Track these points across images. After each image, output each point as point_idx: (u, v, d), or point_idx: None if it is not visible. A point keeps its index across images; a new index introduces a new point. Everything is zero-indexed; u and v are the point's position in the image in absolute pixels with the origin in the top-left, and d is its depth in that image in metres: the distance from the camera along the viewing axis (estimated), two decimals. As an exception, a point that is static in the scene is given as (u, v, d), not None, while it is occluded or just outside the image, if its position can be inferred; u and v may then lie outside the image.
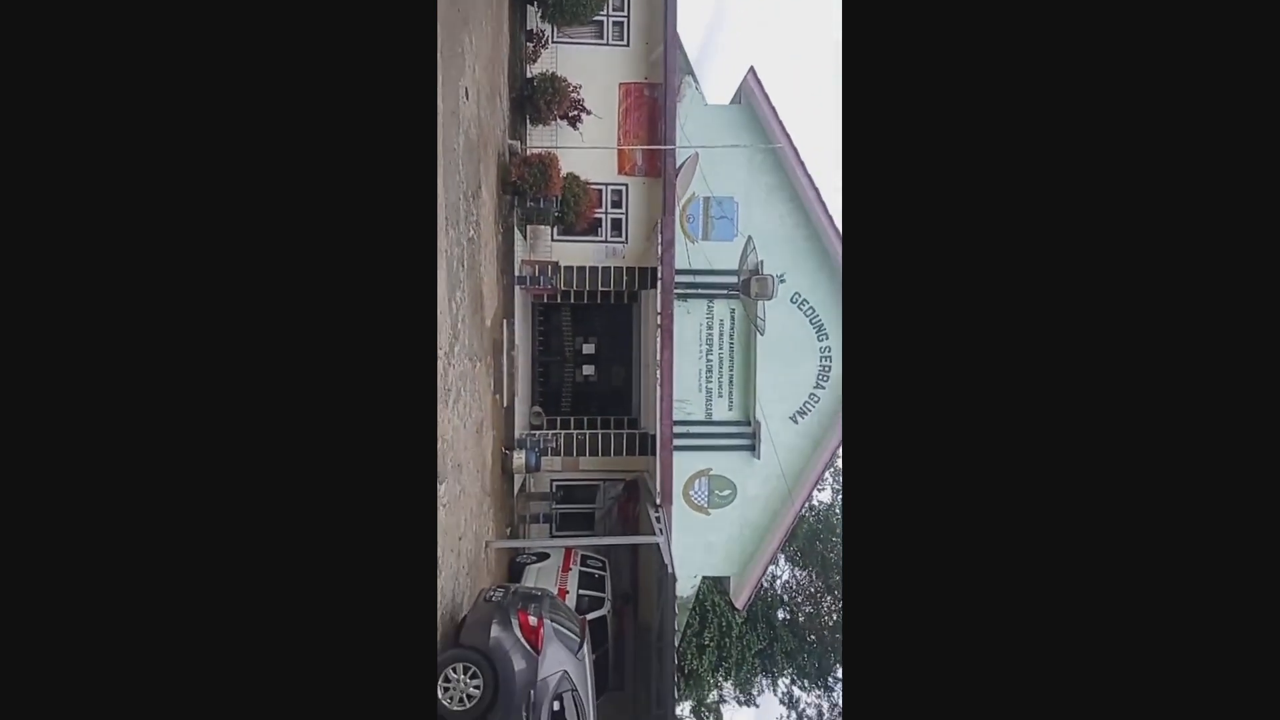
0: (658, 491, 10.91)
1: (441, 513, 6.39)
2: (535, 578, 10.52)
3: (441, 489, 6.44)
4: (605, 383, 14.33)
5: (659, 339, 11.07)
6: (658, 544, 9.35)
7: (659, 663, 9.36)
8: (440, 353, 6.50)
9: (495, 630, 5.80)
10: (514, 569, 10.83)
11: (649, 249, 12.73)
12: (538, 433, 11.49)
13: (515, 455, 10.55)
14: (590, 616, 9.64)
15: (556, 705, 5.74)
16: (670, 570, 8.82)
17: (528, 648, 5.79)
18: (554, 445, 11.21)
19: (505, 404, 10.55)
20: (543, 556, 11.31)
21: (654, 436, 11.42)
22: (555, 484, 13.22)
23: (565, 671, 5.89)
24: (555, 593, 9.93)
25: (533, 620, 5.96)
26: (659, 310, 11.08)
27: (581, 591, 10.09)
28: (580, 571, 10.79)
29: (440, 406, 6.52)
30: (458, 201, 7.38)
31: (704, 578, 14.91)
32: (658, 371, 11.11)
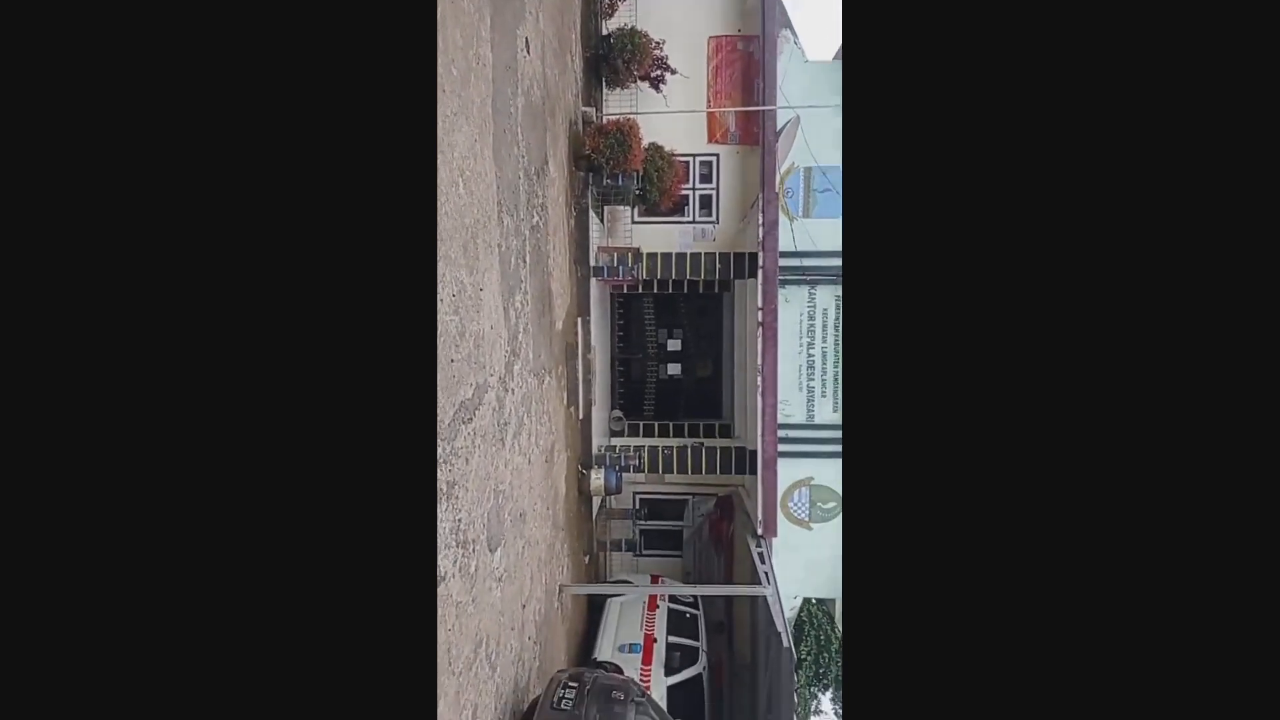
0: (759, 520, 9.22)
1: (496, 589, 4.96)
2: (618, 615, 9.09)
3: (496, 556, 5.00)
4: (692, 382, 12.67)
5: (760, 339, 9.30)
6: (765, 597, 7.68)
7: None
8: (493, 379, 5.03)
9: (566, 758, 4.36)
10: (594, 604, 9.44)
11: (744, 230, 10.90)
12: (618, 446, 10.00)
13: (593, 476, 9.10)
14: (683, 676, 8.12)
15: None
16: (786, 643, 7.16)
17: (609, 788, 4.32)
18: (636, 462, 9.69)
19: (581, 416, 9.10)
20: (626, 583, 9.89)
21: (753, 452, 9.70)
22: (638, 498, 11.76)
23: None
24: (643, 639, 8.45)
25: None
26: (760, 305, 9.28)
27: (671, 638, 8.56)
28: (669, 610, 9.29)
29: (496, 447, 5.07)
30: (516, 181, 5.85)
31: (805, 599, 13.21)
32: (759, 378, 9.35)
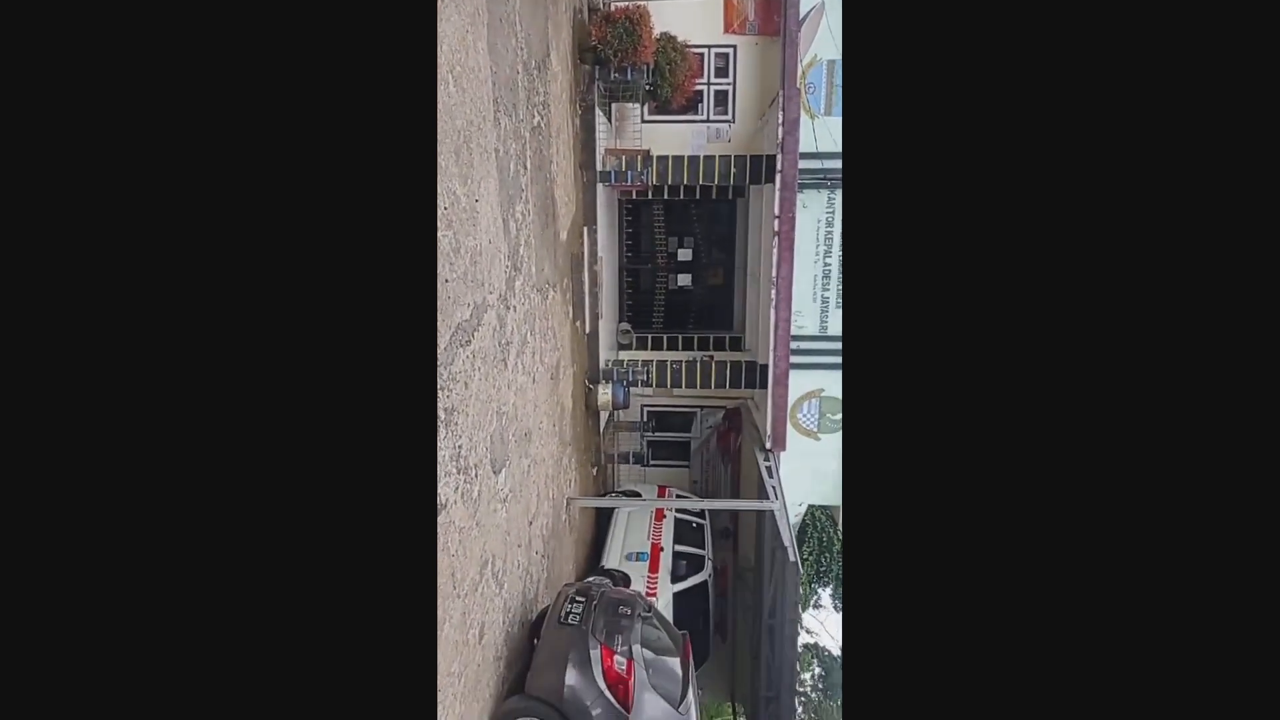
0: (768, 434, 9.14)
1: (501, 510, 4.90)
2: (626, 524, 9.22)
3: (500, 477, 4.91)
4: (703, 292, 12.33)
5: (775, 249, 8.87)
6: (773, 512, 7.69)
7: (771, 646, 7.99)
8: (492, 297, 4.75)
9: (571, 676, 4.41)
10: (602, 512, 9.56)
11: (762, 130, 10.22)
12: (626, 360, 9.81)
13: (600, 391, 8.97)
14: (689, 584, 8.28)
15: (652, 769, 4.41)
16: (792, 558, 7.19)
17: (615, 705, 4.39)
18: (644, 377, 9.53)
19: (587, 330, 8.86)
20: (633, 495, 9.99)
21: (763, 366, 9.50)
22: (646, 411, 11.72)
23: (664, 730, 4.51)
24: (649, 548, 8.59)
25: (620, 663, 4.53)
26: (777, 213, 8.79)
27: (678, 547, 8.70)
28: (676, 520, 9.40)
29: (497, 368, 4.86)
30: (514, 76, 5.33)
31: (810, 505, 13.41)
32: (773, 290, 9.00)
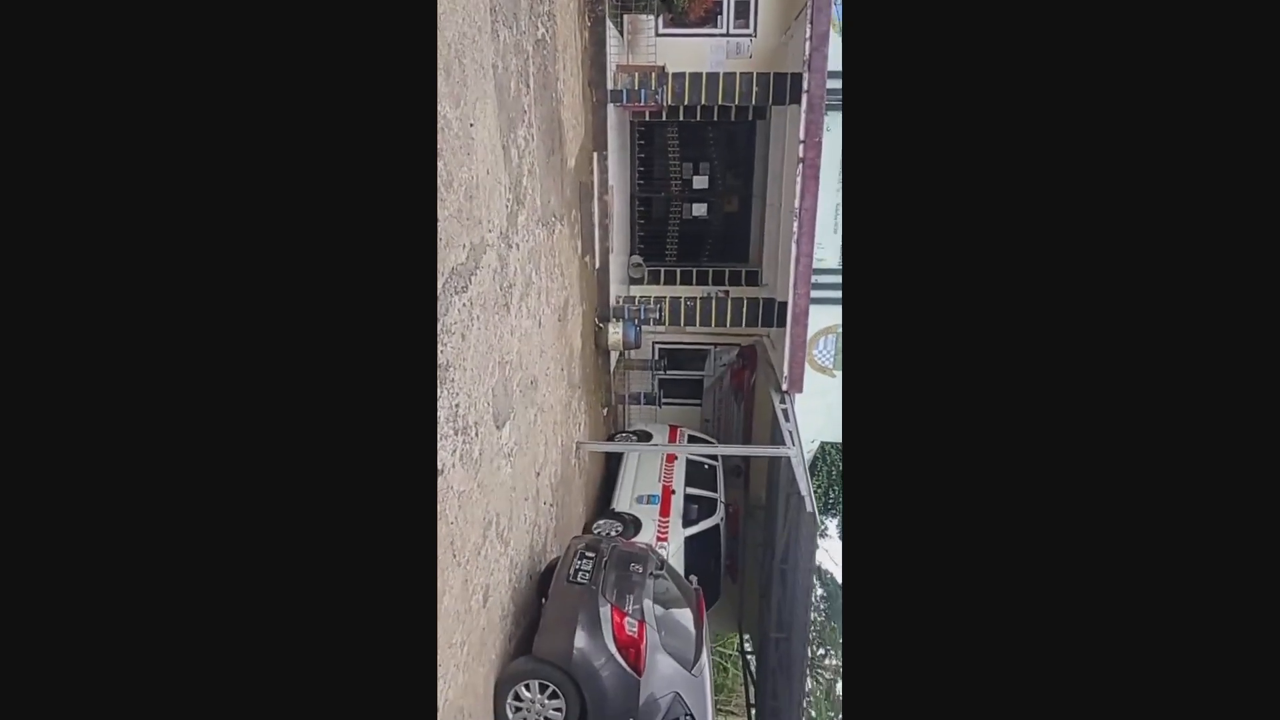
0: (784, 375, 8.76)
1: (505, 466, 4.60)
2: (637, 465, 9.01)
3: (504, 431, 4.59)
4: (719, 221, 11.72)
5: (800, 176, 8.25)
6: (789, 458, 7.41)
7: (783, 589, 7.88)
8: (492, 235, 4.30)
9: (581, 639, 4.21)
10: (611, 459, 9.35)
11: (786, 45, 9.37)
12: (637, 297, 9.36)
13: (611, 330, 8.57)
14: (700, 528, 8.12)
15: (665, 731, 4.28)
16: (810, 508, 6.94)
17: (625, 668, 4.21)
18: (656, 315, 9.10)
19: (597, 265, 8.39)
20: (644, 436, 9.75)
21: (782, 304, 9.03)
22: (658, 349, 11.35)
23: (677, 694, 4.35)
24: (659, 494, 8.40)
25: (631, 625, 4.32)
26: (802, 137, 8.12)
27: (690, 490, 8.49)
28: (688, 461, 9.18)
29: (499, 315, 4.47)
30: (513, -19, 4.69)
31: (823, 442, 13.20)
32: (794, 222, 8.43)
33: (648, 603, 4.49)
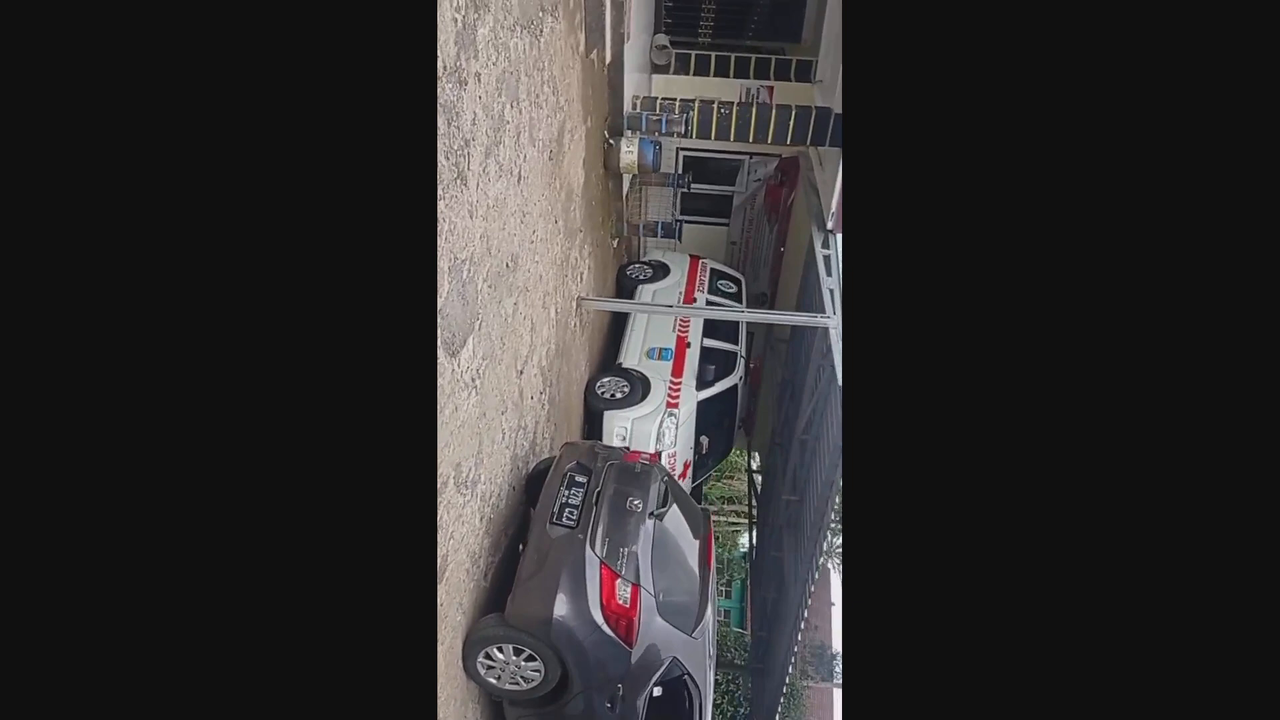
0: (832, 210, 7.24)
1: (470, 396, 3.56)
2: (651, 300, 7.94)
3: (463, 355, 3.49)
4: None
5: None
6: (827, 329, 6.26)
7: (801, 456, 7.22)
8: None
9: (562, 606, 3.51)
10: (623, 287, 8.23)
11: None
12: (659, 99, 7.49)
13: (624, 148, 6.94)
14: (717, 390, 7.26)
15: (658, 690, 3.78)
16: (840, 381, 5.90)
17: (614, 639, 3.57)
18: (680, 128, 7.31)
19: (608, 59, 6.52)
20: (660, 270, 8.53)
21: (839, 115, 7.19)
22: (682, 155, 9.61)
23: (674, 658, 3.76)
24: (674, 343, 7.43)
25: (623, 593, 3.60)
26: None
27: (708, 343, 7.50)
28: (708, 303, 8.07)
29: (453, 192, 3.12)
30: None
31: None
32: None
33: (645, 558, 3.75)
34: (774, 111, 7.53)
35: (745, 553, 17.07)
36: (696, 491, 8.03)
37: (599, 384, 6.80)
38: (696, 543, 4.23)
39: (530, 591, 3.59)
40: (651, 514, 3.97)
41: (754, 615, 10.60)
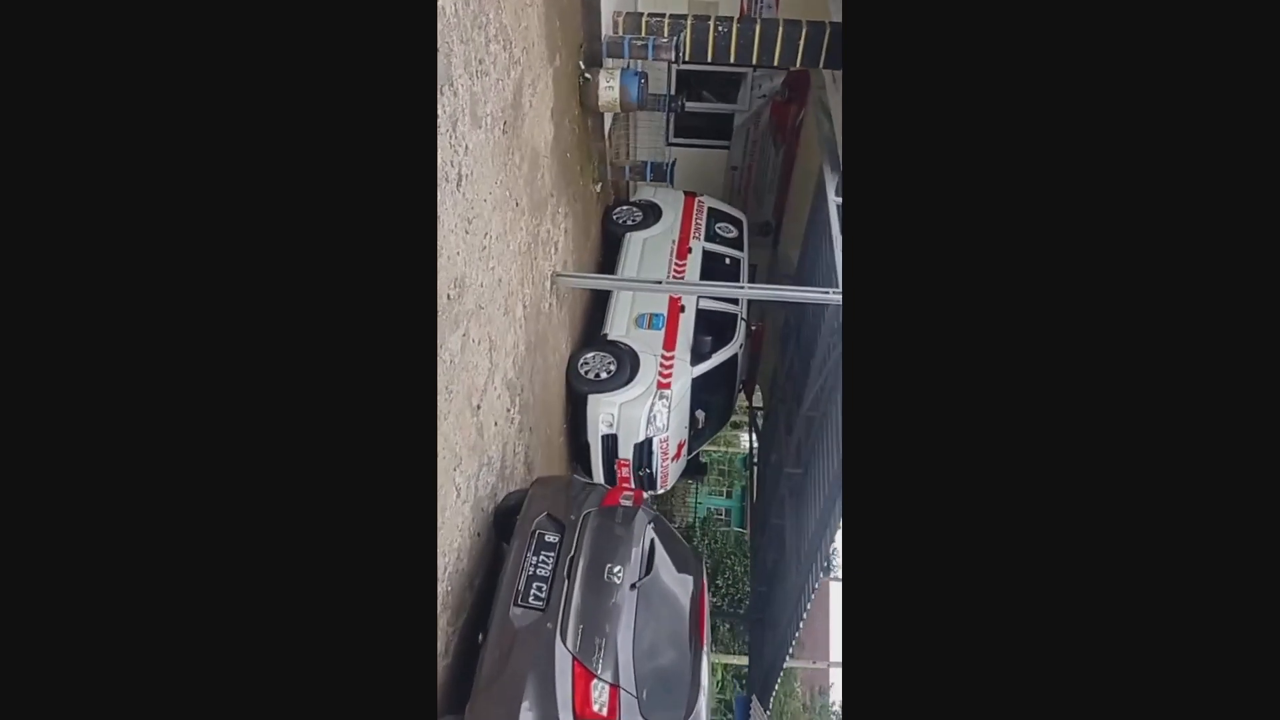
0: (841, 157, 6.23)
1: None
2: (639, 260, 7.07)
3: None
4: None
5: None
6: (834, 306, 5.45)
7: (806, 431, 6.63)
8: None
9: (528, 715, 3.03)
10: (610, 242, 7.31)
11: None
12: (645, 15, 6.24)
13: (603, 84, 5.84)
14: (714, 363, 6.53)
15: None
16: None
17: (589, 749, 3.10)
18: (670, 54, 6.11)
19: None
20: (651, 211, 7.56)
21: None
22: (677, 73, 8.33)
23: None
24: (665, 313, 6.63)
25: (599, 697, 3.08)
26: None
27: (702, 307, 6.70)
28: (704, 253, 7.18)
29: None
30: None
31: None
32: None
33: (625, 643, 3.23)
34: (781, 28, 6.33)
35: (745, 457, 16.87)
36: (694, 463, 7.48)
37: (582, 361, 6.11)
38: (686, 605, 3.71)
39: (492, 700, 3.10)
40: (633, 585, 3.42)
41: (754, 569, 10.42)
